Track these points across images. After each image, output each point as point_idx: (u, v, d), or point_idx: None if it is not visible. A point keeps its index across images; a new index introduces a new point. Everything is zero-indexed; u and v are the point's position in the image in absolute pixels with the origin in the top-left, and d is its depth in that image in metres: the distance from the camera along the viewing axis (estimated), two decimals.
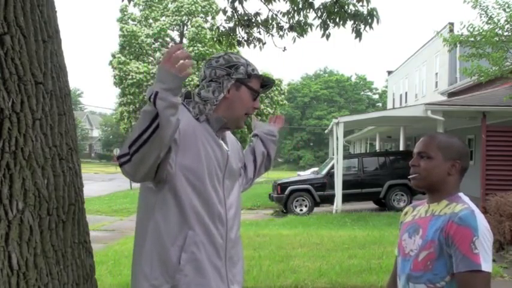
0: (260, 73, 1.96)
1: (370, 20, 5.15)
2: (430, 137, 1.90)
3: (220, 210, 1.86)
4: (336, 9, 5.21)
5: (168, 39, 33.95)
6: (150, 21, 32.83)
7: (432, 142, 1.87)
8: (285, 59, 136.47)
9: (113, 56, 30.90)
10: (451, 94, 19.06)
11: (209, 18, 32.51)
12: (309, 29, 5.61)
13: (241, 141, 31.48)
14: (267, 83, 2.01)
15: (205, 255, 1.80)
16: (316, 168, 20.46)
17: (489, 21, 10.44)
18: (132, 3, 5.48)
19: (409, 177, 1.90)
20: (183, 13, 31.84)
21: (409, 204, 2.12)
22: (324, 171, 15.62)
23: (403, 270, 1.89)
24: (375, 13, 5.14)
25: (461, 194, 1.86)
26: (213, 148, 1.87)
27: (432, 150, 1.84)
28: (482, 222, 1.71)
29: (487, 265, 1.66)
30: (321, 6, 5.32)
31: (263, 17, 5.70)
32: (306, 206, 14.96)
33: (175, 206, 1.78)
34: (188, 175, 1.78)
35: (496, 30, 10.39)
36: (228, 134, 2.05)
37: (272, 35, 5.80)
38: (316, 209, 15.21)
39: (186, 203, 1.78)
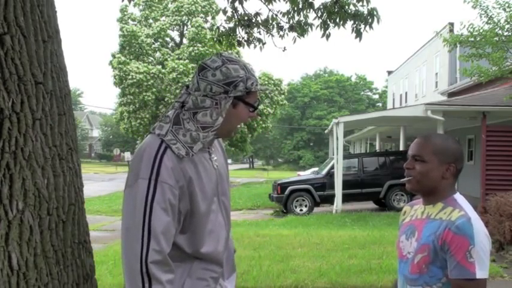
0: (259, 85, 1.81)
1: (370, 20, 5.15)
2: (425, 139, 1.87)
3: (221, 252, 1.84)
4: (336, 9, 5.20)
5: (168, 39, 33.98)
6: (150, 21, 32.85)
7: (427, 145, 1.84)
8: (285, 59, 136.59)
9: (113, 56, 30.91)
10: (451, 94, 19.05)
11: (209, 18, 32.54)
12: (309, 29, 5.60)
13: (241, 141, 31.49)
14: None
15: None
16: (316, 168, 20.46)
17: (489, 21, 10.44)
18: (132, 3, 5.47)
19: (403, 180, 1.88)
20: (183, 13, 31.85)
21: (408, 203, 2.11)
22: (324, 171, 15.63)
23: (401, 271, 1.90)
24: (375, 13, 5.14)
25: (456, 196, 1.85)
26: (208, 177, 1.79)
27: (427, 154, 1.82)
28: (479, 229, 1.71)
29: (482, 272, 1.67)
30: (321, 6, 5.31)
31: (263, 17, 5.69)
32: (306, 206, 14.96)
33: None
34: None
35: (496, 30, 10.39)
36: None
37: (272, 35, 5.80)
38: (316, 209, 15.22)
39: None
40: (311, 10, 5.42)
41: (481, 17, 10.52)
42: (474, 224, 1.71)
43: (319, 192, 15.01)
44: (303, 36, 5.68)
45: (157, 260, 1.63)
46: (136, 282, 1.62)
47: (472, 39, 10.64)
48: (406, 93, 27.53)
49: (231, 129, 1.84)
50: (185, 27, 33.54)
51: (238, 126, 1.89)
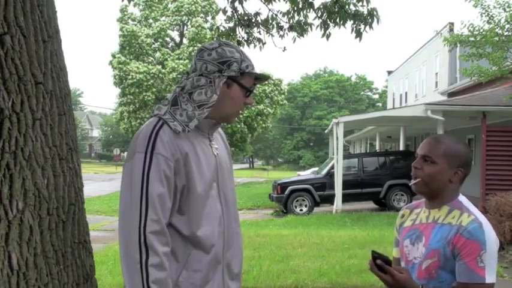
0: (255, 69, 1.83)
1: (370, 20, 5.16)
2: (437, 140, 1.83)
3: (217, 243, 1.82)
4: (336, 9, 5.21)
5: (168, 39, 33.97)
6: (150, 21, 32.86)
7: (438, 147, 1.80)
8: (285, 59, 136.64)
9: (113, 56, 30.93)
10: (451, 94, 19.06)
11: (209, 18, 32.55)
12: (309, 29, 5.61)
13: (241, 141, 31.49)
14: (260, 76, 1.91)
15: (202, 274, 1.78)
16: (316, 168, 20.46)
17: (490, 21, 10.44)
18: (132, 3, 5.48)
19: (411, 183, 1.84)
20: (183, 13, 31.86)
21: (405, 205, 2.08)
22: (324, 171, 15.63)
23: None
24: (375, 13, 5.14)
25: (461, 199, 1.83)
26: (206, 160, 1.80)
27: (438, 155, 1.79)
28: (490, 234, 1.71)
29: (491, 277, 1.68)
30: (321, 6, 5.32)
31: (263, 17, 5.70)
32: (306, 206, 14.96)
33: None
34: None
35: (496, 30, 10.38)
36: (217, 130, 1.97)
37: (272, 35, 5.81)
38: (316, 209, 15.22)
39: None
40: (311, 10, 5.43)
41: (481, 16, 10.51)
42: (486, 229, 1.71)
43: (319, 192, 15.02)
44: (303, 36, 5.68)
45: (155, 230, 1.64)
46: (133, 254, 1.62)
47: (473, 38, 10.64)
48: (406, 93, 27.53)
49: (228, 114, 1.86)
50: (185, 27, 33.56)
51: (238, 115, 1.91)
